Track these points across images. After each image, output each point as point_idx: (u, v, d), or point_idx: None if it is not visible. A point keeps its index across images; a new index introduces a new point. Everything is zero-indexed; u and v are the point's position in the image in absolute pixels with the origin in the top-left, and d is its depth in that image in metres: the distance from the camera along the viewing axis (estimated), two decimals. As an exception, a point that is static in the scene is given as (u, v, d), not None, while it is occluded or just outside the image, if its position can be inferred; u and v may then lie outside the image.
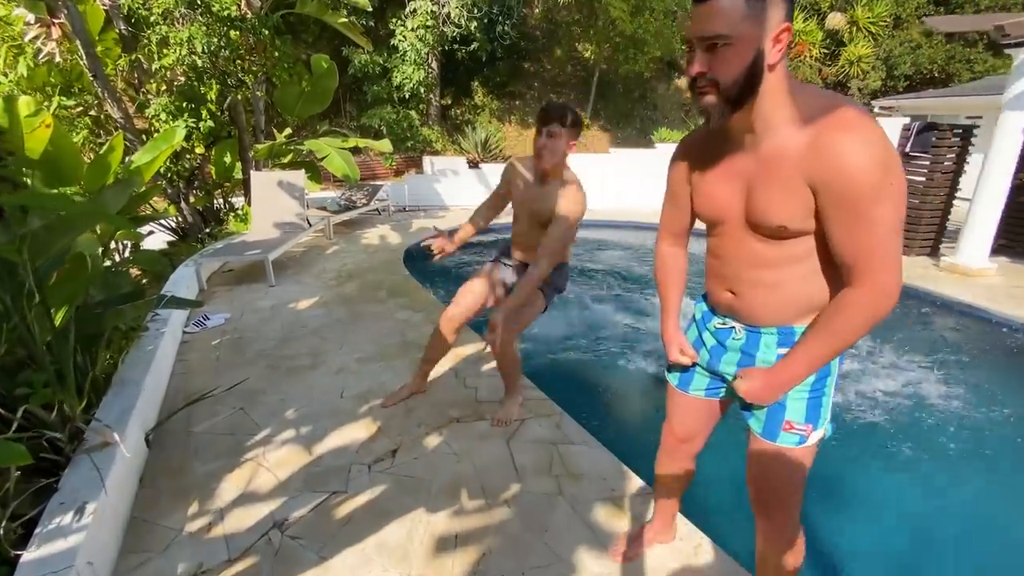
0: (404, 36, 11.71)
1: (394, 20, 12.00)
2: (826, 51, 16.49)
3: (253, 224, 5.46)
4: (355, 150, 8.42)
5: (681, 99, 17.13)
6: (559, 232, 1.99)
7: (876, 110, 13.01)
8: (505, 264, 2.34)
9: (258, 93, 6.06)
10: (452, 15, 11.82)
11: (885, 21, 16.19)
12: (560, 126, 1.90)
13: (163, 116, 5.26)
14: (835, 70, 16.24)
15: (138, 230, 4.89)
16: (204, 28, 4.88)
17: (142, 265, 4.56)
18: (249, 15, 5.05)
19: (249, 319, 3.64)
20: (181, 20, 5.12)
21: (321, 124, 10.30)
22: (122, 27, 5.49)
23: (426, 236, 2.30)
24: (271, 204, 5.47)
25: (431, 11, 11.73)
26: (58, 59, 4.64)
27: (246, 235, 5.40)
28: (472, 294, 2.29)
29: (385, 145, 6.41)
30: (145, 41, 5.12)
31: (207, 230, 5.56)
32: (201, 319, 3.52)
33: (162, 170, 5.43)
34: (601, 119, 15.95)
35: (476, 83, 15.61)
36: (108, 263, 4.83)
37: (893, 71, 16.72)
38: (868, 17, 15.81)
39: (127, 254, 5.85)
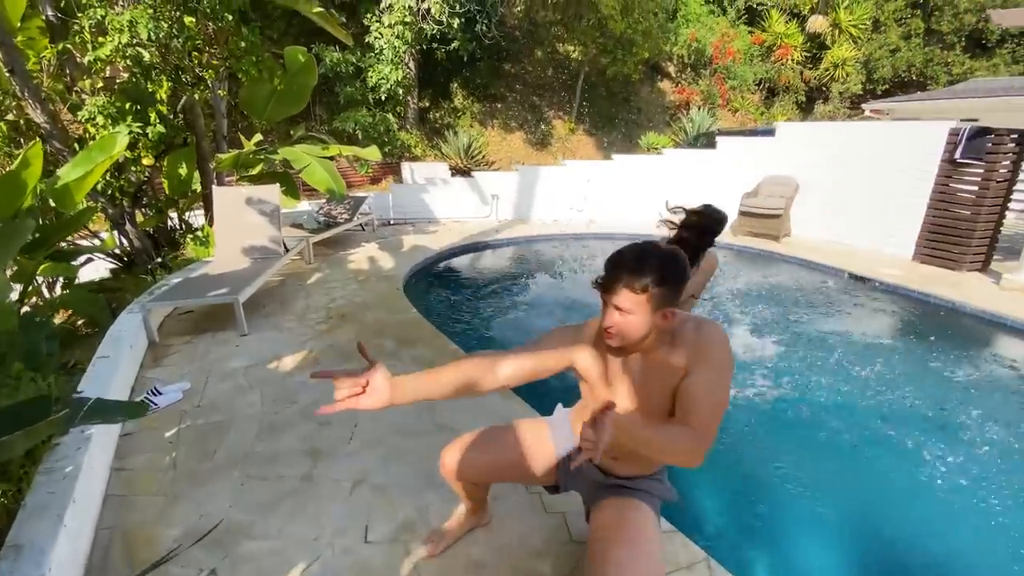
0: (380, 33, 10.78)
1: (368, 16, 11.04)
2: (807, 54, 16.39)
3: (217, 250, 4.49)
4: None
5: (665, 102, 16.73)
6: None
7: (867, 113, 12.83)
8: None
9: (219, 93, 5.08)
10: (432, 10, 10.96)
11: (865, 24, 16.19)
12: (639, 291, 1.17)
13: (100, 120, 4.25)
14: (817, 73, 16.13)
15: (72, 262, 3.88)
16: (150, 11, 3.92)
17: (73, 308, 3.58)
18: (208, -5, 4.11)
19: (216, 390, 2.73)
20: (123, 1, 4.13)
21: (296, 128, 9.25)
22: (50, 13, 4.46)
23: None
24: (239, 225, 4.52)
25: (409, 6, 10.84)
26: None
27: (208, 263, 4.43)
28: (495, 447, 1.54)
29: (373, 153, 5.53)
30: (77, 27, 4.10)
31: (158, 260, 4.56)
32: (150, 393, 2.60)
33: (100, 186, 4.41)
34: (586, 123, 15.35)
35: (455, 85, 14.77)
36: (27, 308, 3.81)
37: (872, 74, 16.77)
38: (850, 20, 15.75)
39: (59, 288, 4.80)
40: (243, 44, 4.38)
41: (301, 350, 3.22)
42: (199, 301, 3.39)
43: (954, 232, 5.51)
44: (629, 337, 1.22)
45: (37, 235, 3.46)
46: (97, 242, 5.05)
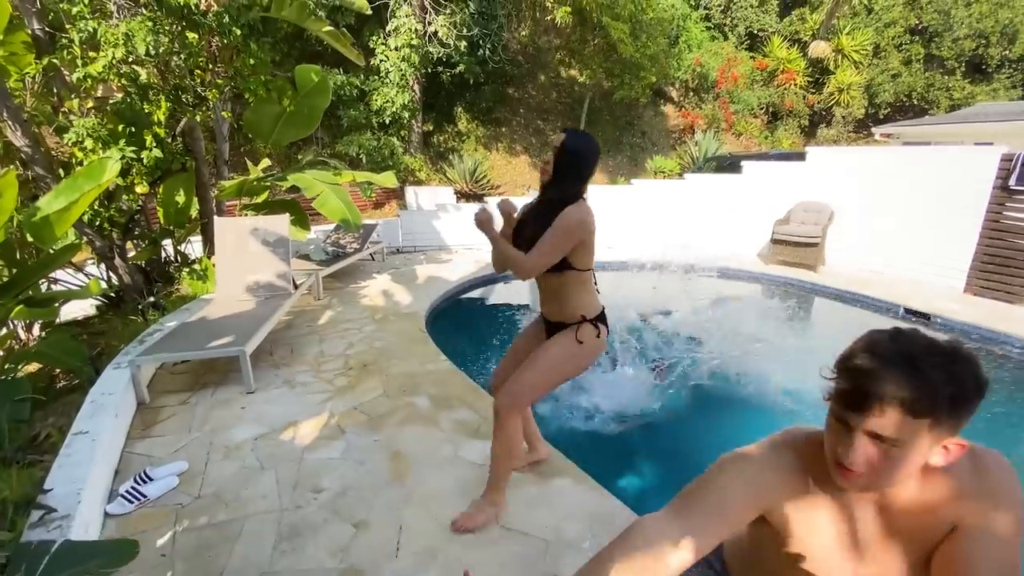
0: (386, 56, 10.52)
1: (374, 39, 10.80)
2: (810, 79, 16.41)
3: (218, 287, 4.01)
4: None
5: (669, 126, 16.62)
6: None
7: (877, 137, 12.69)
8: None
9: (223, 114, 4.66)
10: (440, 33, 10.74)
11: (866, 50, 16.27)
12: (919, 414, 0.78)
13: (89, 143, 3.80)
14: (822, 97, 16.10)
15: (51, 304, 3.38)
16: (149, 23, 3.50)
17: (48, 361, 3.06)
18: (214, 7, 3.71)
19: (220, 472, 2.22)
20: (119, 12, 3.72)
21: (303, 152, 8.84)
22: (36, 26, 4.03)
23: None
24: (242, 260, 4.05)
25: (415, 29, 10.61)
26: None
27: (207, 301, 3.94)
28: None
29: (389, 179, 5.11)
30: (65, 41, 3.68)
31: (151, 299, 4.06)
32: (138, 481, 2.08)
33: (87, 216, 3.94)
34: (591, 146, 15.06)
35: (459, 109, 14.55)
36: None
37: (874, 99, 16.80)
38: (852, 45, 15.81)
39: (37, 329, 4.27)
40: (251, 61, 3.97)
41: (319, 412, 2.72)
42: (198, 354, 2.89)
43: (1012, 263, 5.14)
44: (884, 483, 0.82)
45: (8, 276, 2.96)
46: (82, 278, 4.54)
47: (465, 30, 11.06)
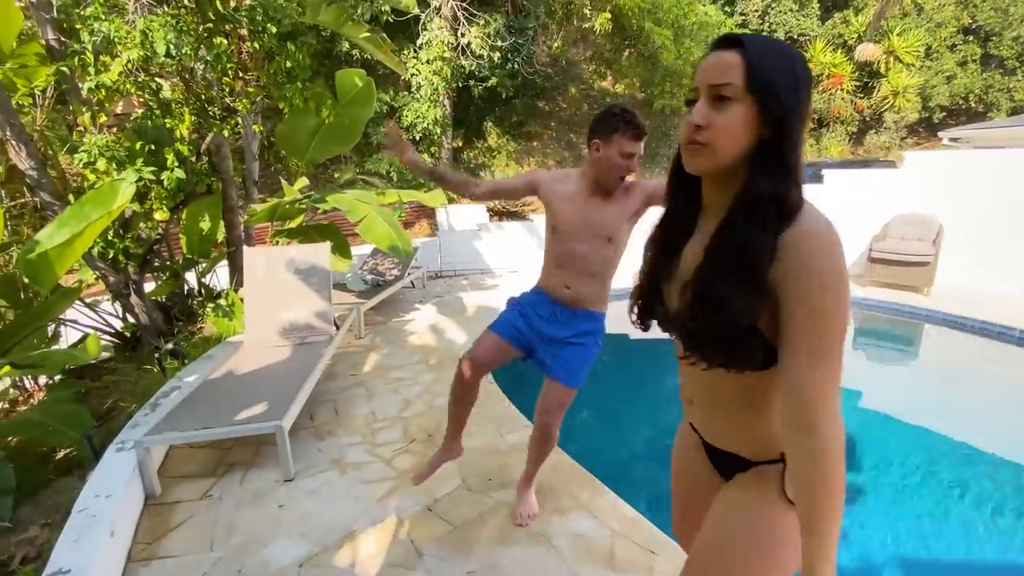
0: (418, 70, 10.05)
1: (404, 52, 10.36)
2: (857, 83, 15.49)
3: (247, 330, 3.38)
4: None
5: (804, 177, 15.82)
6: None
7: (944, 142, 11.71)
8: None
9: (254, 128, 4.09)
10: (473, 45, 10.24)
11: (918, 51, 15.31)
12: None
13: (102, 164, 3.24)
14: (875, 101, 15.16)
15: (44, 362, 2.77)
16: (171, 20, 2.94)
17: (41, 435, 2.44)
18: (247, 2, 3.14)
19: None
20: (137, 11, 3.17)
21: (343, 170, 8.32)
22: (51, 36, 3.53)
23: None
24: (275, 296, 3.42)
25: (448, 42, 10.14)
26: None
27: (234, 346, 3.31)
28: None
29: (437, 198, 4.49)
30: (76, 47, 3.15)
31: (169, 345, 3.45)
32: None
33: (98, 250, 3.37)
34: (627, 159, 14.38)
35: (489, 123, 14.03)
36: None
37: (928, 102, 15.78)
38: (903, 47, 14.88)
39: (41, 390, 3.69)
40: (288, 64, 3.39)
41: (382, 516, 2.01)
42: (222, 432, 2.23)
43: None
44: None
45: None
46: (92, 320, 3.99)
47: (499, 41, 10.56)
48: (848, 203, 6.31)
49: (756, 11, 16.62)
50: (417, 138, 11.03)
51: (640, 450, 3.27)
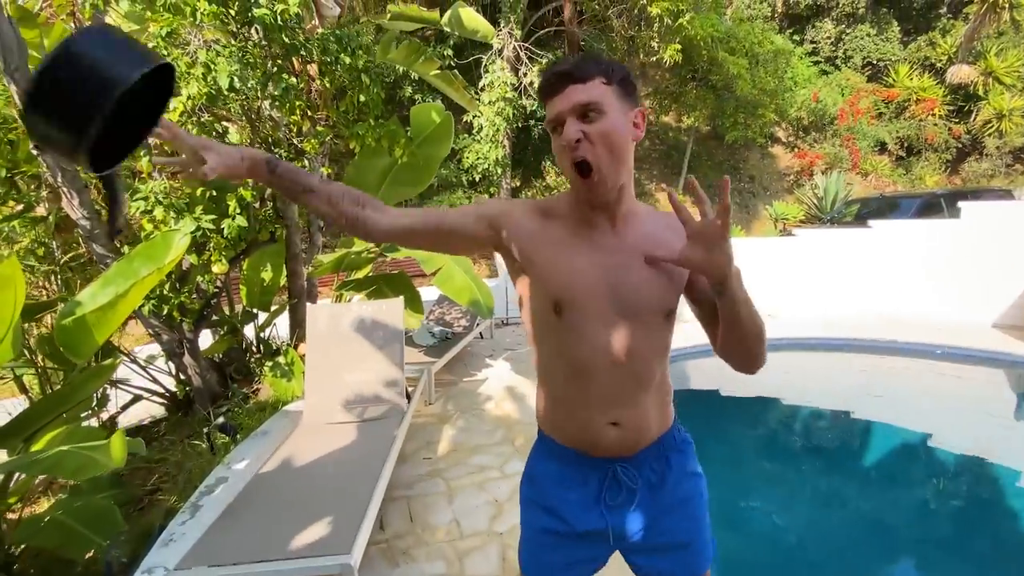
0: (480, 111, 9.88)
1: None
2: (951, 108, 14.15)
3: (307, 398, 2.88)
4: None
5: (780, 168, 14.85)
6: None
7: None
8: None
9: (322, 170, 3.74)
10: (535, 84, 10.00)
11: (1019, 71, 13.88)
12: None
13: (159, 213, 2.92)
14: (975, 126, 13.75)
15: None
16: (237, 53, 2.60)
17: (62, 544, 1.95)
18: (319, 31, 2.78)
19: None
20: (200, 43, 2.88)
21: None
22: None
23: None
24: (340, 360, 2.92)
25: (510, 82, 9.96)
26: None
27: (291, 418, 2.81)
28: None
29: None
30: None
31: (219, 420, 3.00)
32: None
33: (149, 308, 3.01)
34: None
35: (548, 163, 13.74)
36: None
37: (1034, 125, 14.16)
38: (1003, 67, 13.53)
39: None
40: (361, 99, 2.99)
41: None
42: (273, 568, 1.65)
43: None
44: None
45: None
46: (146, 380, 3.64)
47: (562, 78, 10.29)
48: (985, 239, 5.30)
49: (828, 38, 15.76)
50: (477, 179, 10.82)
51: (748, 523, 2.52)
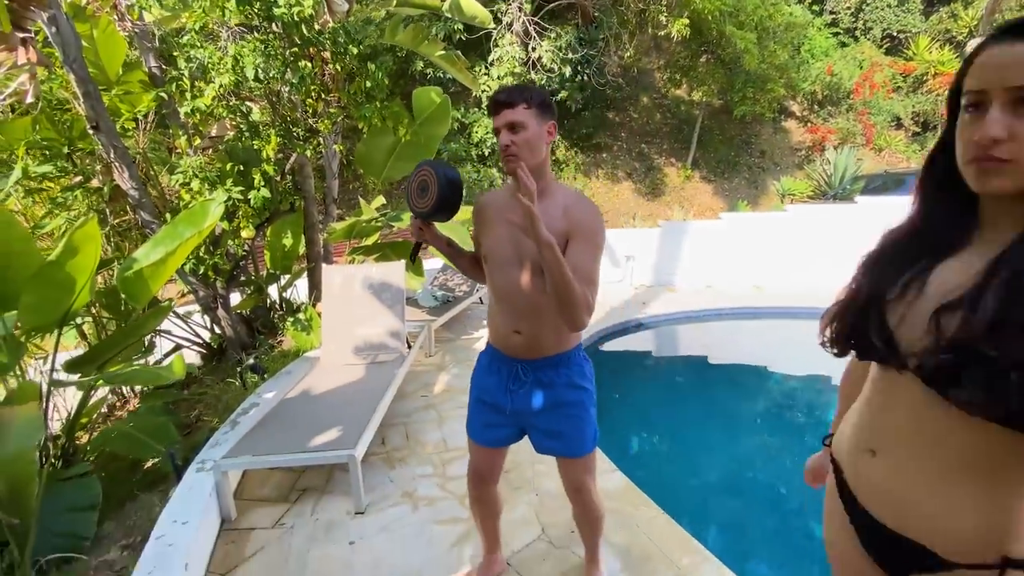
0: (489, 86, 10.13)
1: (476, 69, 10.49)
2: (971, 82, 13.85)
3: (323, 346, 3.39)
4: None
5: (792, 143, 14.80)
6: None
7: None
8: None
9: (335, 147, 4.17)
10: (544, 58, 10.19)
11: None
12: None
13: (195, 185, 3.40)
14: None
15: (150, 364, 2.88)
16: (260, 46, 3.02)
17: (130, 448, 2.50)
18: (331, 24, 3.18)
19: None
20: (229, 37, 3.30)
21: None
22: (152, 64, 3.80)
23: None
24: (351, 314, 3.41)
25: (519, 57, 10.16)
26: (31, 99, 2.84)
27: (311, 362, 3.32)
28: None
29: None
30: (174, 73, 3.33)
31: (250, 360, 3.52)
32: None
33: (189, 266, 3.52)
34: (702, 169, 13.79)
35: (558, 137, 13.94)
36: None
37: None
38: (1028, 39, 13.17)
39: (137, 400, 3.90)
40: (367, 85, 3.40)
41: (456, 566, 1.84)
42: (295, 460, 2.17)
43: None
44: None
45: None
46: (186, 331, 4.20)
47: (570, 53, 10.44)
48: None
49: (848, 8, 15.43)
50: (486, 153, 11.13)
51: (736, 489, 2.92)
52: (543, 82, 10.83)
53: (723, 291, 6.35)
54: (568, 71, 10.40)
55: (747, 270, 6.55)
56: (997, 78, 0.61)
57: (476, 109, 10.89)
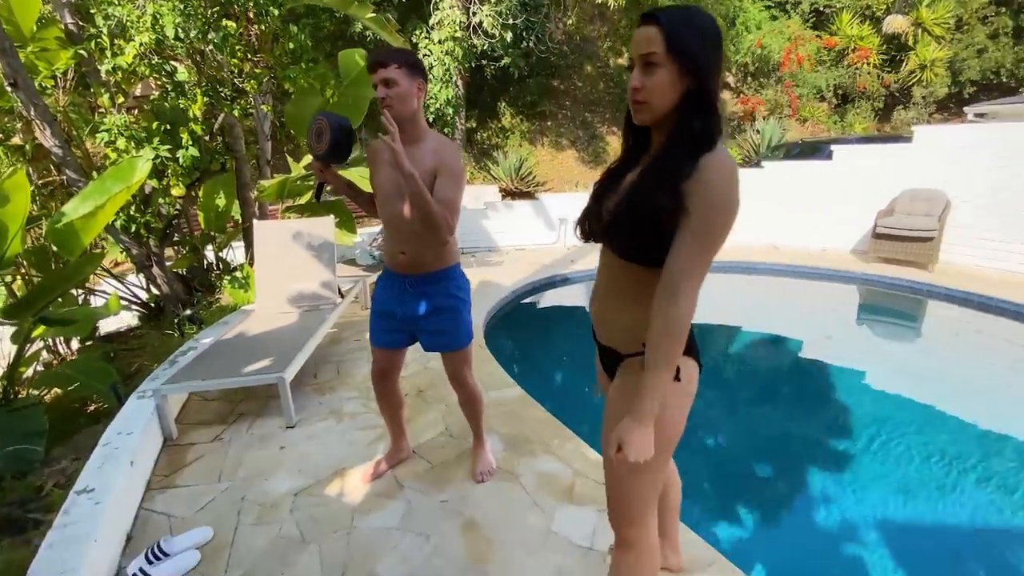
0: (430, 50, 10.12)
1: (417, 32, 10.43)
2: (885, 57, 14.94)
3: (258, 297, 3.62)
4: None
5: (726, 114, 15.54)
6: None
7: (970, 117, 11.30)
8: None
9: (263, 108, 4.29)
10: (484, 23, 10.25)
11: (948, 23, 14.67)
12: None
13: (121, 143, 3.48)
14: (902, 76, 14.63)
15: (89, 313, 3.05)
16: (179, 5, 3.12)
17: (72, 385, 2.71)
18: (251, -14, 3.30)
19: (249, 545, 1.75)
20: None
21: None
22: (69, 20, 3.76)
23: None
24: (284, 267, 3.64)
25: (460, 21, 10.16)
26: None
27: (247, 313, 3.56)
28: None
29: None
30: (93, 31, 3.37)
31: (187, 312, 3.71)
32: (149, 558, 1.63)
33: (121, 223, 3.63)
34: (642, 138, 14.26)
35: (503, 104, 14.05)
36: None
37: (958, 76, 15.14)
38: (933, 18, 14.27)
39: (75, 347, 4.01)
40: (291, 46, 3.55)
41: (371, 456, 2.23)
42: (231, 383, 2.46)
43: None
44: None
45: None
46: (123, 290, 4.28)
47: (511, 19, 10.53)
48: (854, 178, 6.25)
49: (777, -18, 16.06)
50: (431, 120, 11.16)
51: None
52: (485, 47, 10.89)
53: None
54: (510, 36, 10.49)
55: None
56: (635, 50, 0.97)
57: (418, 74, 10.82)
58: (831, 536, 2.13)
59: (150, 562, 1.61)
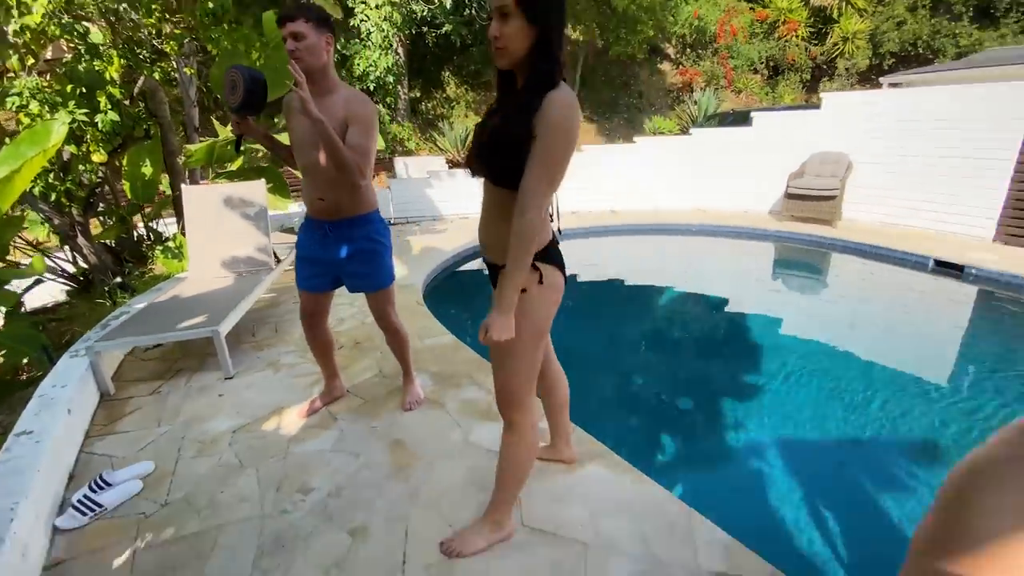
0: (367, 15, 9.84)
1: (353, -3, 10.08)
2: (812, 30, 15.71)
3: (191, 264, 3.63)
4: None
5: (666, 85, 15.98)
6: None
7: (885, 87, 12.17)
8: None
9: (187, 71, 4.18)
10: (422, -11, 10.06)
11: (870, -3, 15.53)
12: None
13: (34, 107, 3.36)
14: (825, 49, 15.45)
15: (14, 288, 3.01)
16: (87, -40, 3.02)
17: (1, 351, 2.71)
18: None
19: (192, 472, 1.90)
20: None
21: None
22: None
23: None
24: (217, 233, 3.66)
25: (397, -14, 9.92)
26: None
27: (181, 280, 3.57)
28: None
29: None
30: (-8, -12, 3.19)
31: (118, 280, 3.67)
32: (93, 488, 1.76)
33: (39, 190, 3.53)
34: (586, 110, 14.54)
35: (447, 73, 13.88)
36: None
37: (878, 48, 16.14)
38: (856, -8, 15.07)
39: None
40: (210, 5, 3.49)
41: (307, 397, 2.39)
42: (166, 337, 2.54)
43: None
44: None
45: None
46: (50, 264, 4.15)
47: (450, -15, 10.36)
48: (771, 144, 6.73)
49: (715, -46, 16.40)
50: (371, 88, 10.92)
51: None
52: (424, 13, 10.70)
53: (585, 215, 7.21)
54: (450, 2, 10.35)
55: (604, 197, 7.45)
56: (492, 2, 1.15)
57: (356, 40, 10.53)
58: (738, 453, 2.46)
59: (93, 491, 1.74)
